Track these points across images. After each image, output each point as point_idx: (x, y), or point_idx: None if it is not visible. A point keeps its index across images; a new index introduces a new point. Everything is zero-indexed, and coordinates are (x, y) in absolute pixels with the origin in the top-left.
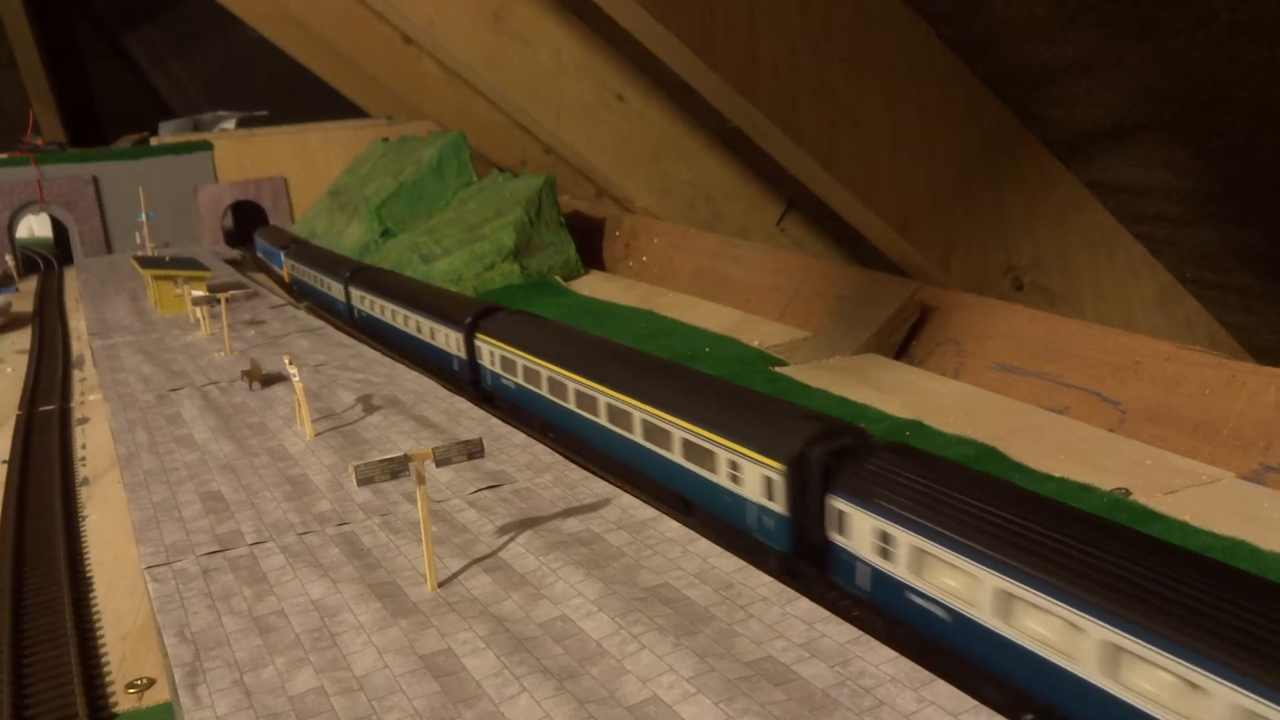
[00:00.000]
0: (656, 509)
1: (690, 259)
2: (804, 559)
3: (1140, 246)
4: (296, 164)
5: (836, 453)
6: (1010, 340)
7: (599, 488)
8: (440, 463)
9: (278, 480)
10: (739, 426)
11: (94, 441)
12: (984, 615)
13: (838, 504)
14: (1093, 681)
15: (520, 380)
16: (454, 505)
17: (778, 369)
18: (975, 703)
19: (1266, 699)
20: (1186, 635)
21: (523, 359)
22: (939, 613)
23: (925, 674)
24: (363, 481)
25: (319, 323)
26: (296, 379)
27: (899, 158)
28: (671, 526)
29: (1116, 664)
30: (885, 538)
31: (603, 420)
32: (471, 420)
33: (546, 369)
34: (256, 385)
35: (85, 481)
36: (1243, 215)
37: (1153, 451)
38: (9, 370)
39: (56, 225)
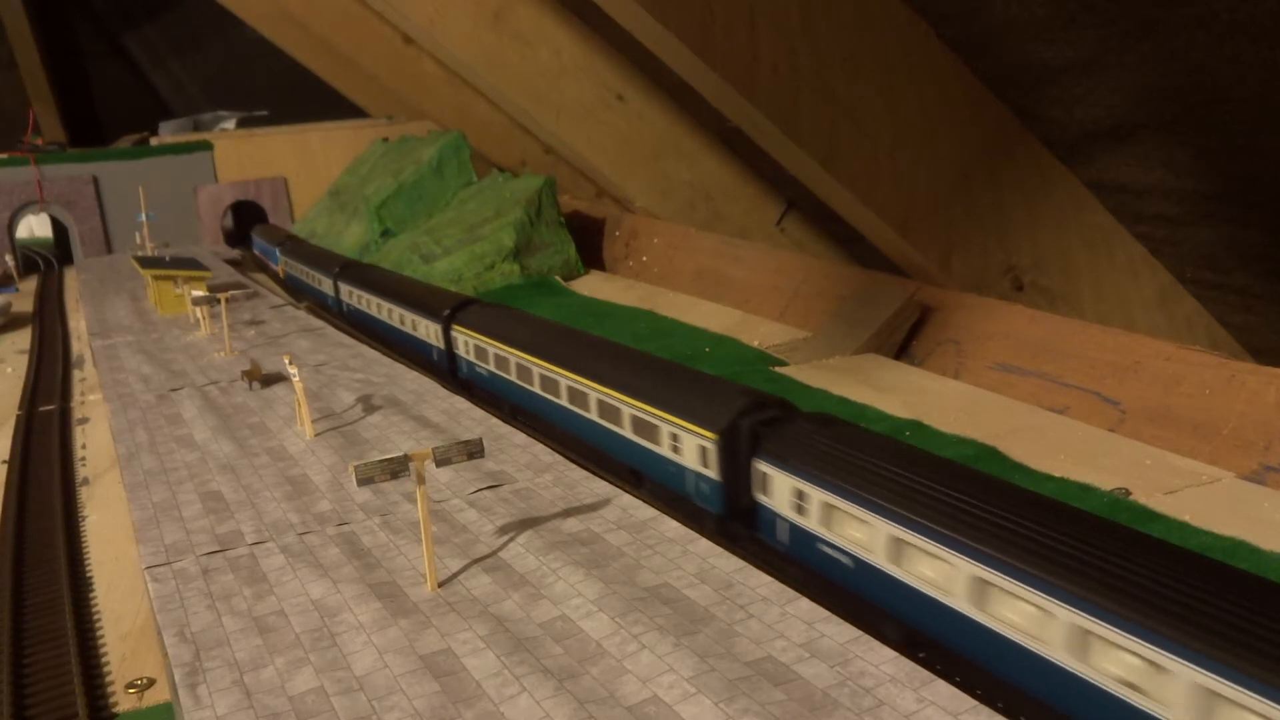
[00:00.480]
0: (656, 509)
1: (690, 259)
2: (735, 519)
3: (1140, 246)
4: (296, 164)
5: (763, 422)
6: (1010, 340)
7: (599, 488)
8: (440, 463)
9: (278, 480)
10: (679, 402)
11: (94, 441)
12: (880, 560)
13: (762, 467)
14: (965, 613)
15: (492, 367)
16: (454, 505)
17: (778, 369)
18: (975, 703)
19: (1096, 616)
20: (1039, 568)
21: (494, 347)
22: (844, 560)
23: (925, 674)
24: (363, 481)
25: (319, 323)
26: (296, 379)
27: (899, 158)
28: (671, 526)
29: (984, 597)
30: (801, 495)
31: (564, 401)
32: (471, 420)
33: (515, 356)
34: (256, 385)
35: (85, 481)
36: (1243, 215)
37: (1153, 451)
38: (9, 370)
39: (56, 225)
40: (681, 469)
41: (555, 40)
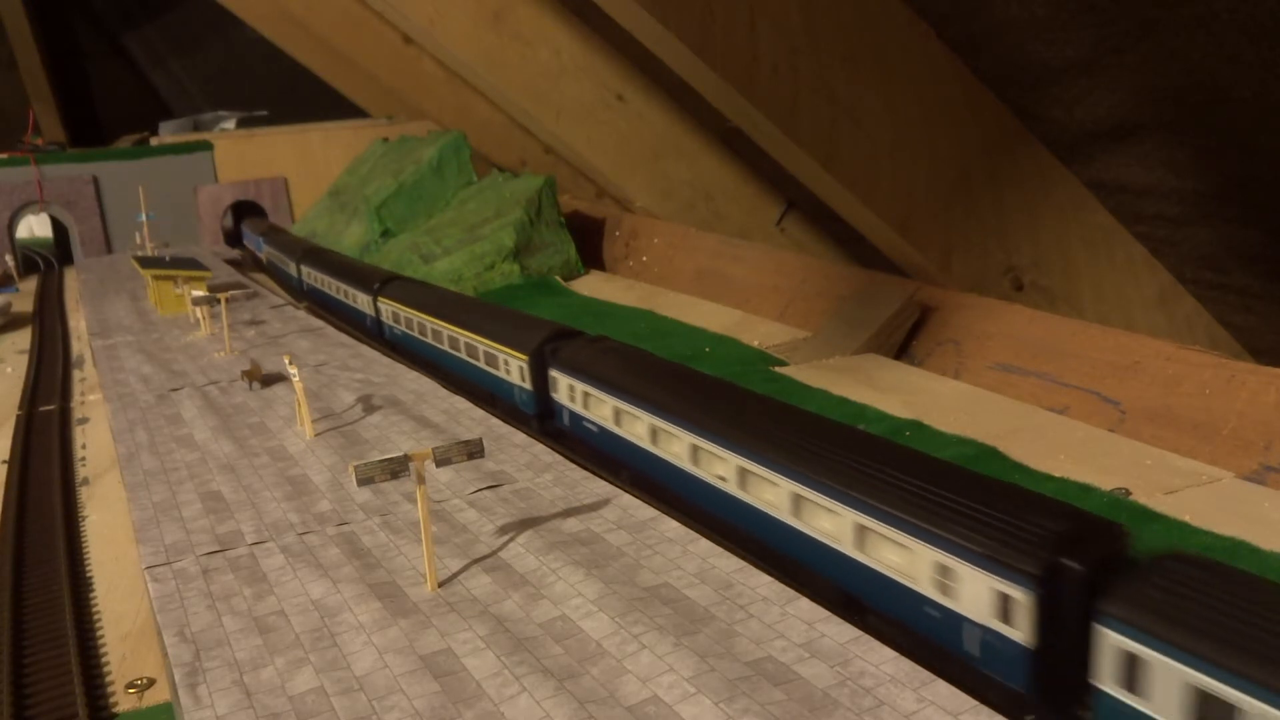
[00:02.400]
0: (656, 509)
1: (690, 259)
2: (544, 418)
3: (1140, 246)
4: (296, 164)
5: (556, 345)
6: (1010, 340)
7: (599, 488)
8: (440, 463)
9: (278, 480)
10: (507, 335)
11: (94, 441)
12: (612, 426)
13: (553, 373)
14: (652, 451)
15: (404, 328)
16: (454, 505)
17: (778, 369)
18: (975, 703)
19: (703, 437)
20: (692, 419)
21: (404, 311)
22: (594, 429)
23: (925, 674)
24: (363, 481)
25: (319, 323)
26: (296, 379)
27: (899, 158)
28: (671, 526)
29: (655, 438)
30: (571, 389)
31: (445, 347)
32: (471, 420)
33: (416, 316)
34: (256, 385)
35: (85, 481)
36: (1243, 215)
37: (1153, 451)
38: (9, 370)
39: (56, 225)
40: (510, 385)
41: (555, 40)
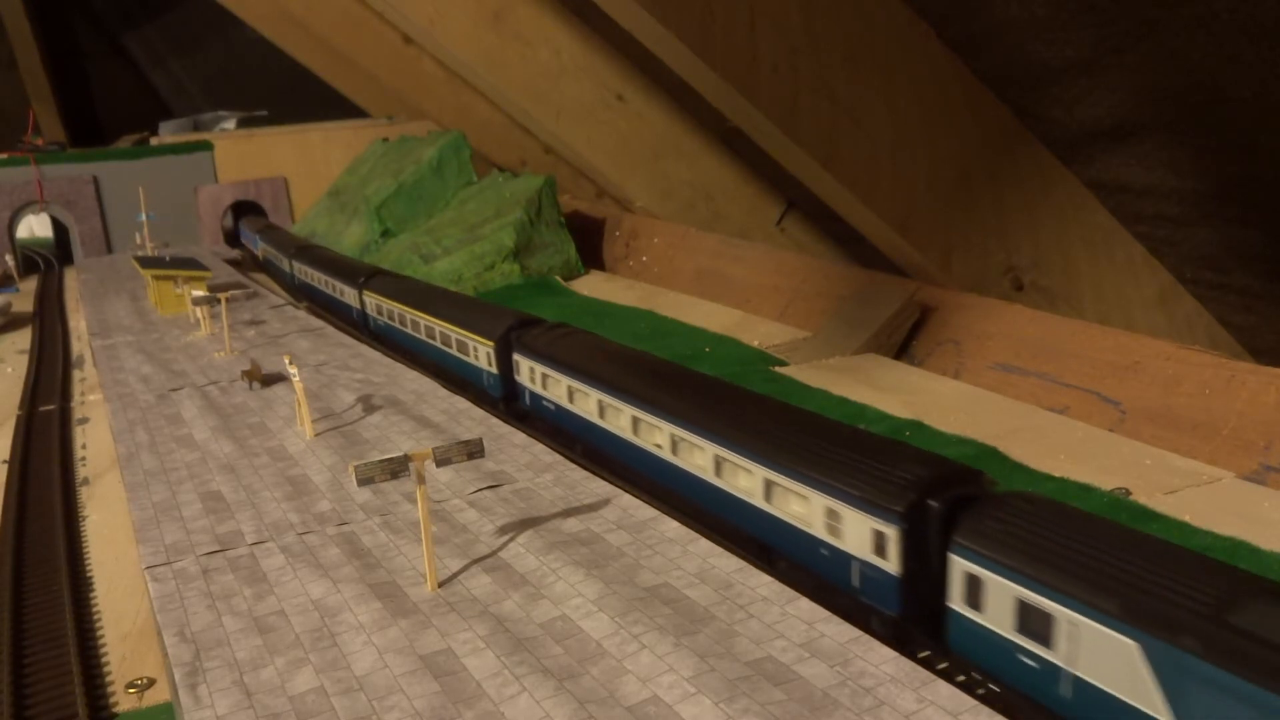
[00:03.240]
0: (657, 509)
1: (690, 259)
2: (509, 400)
3: (1140, 246)
4: (296, 164)
5: (520, 331)
6: (1010, 340)
7: (599, 488)
8: (440, 463)
9: (278, 480)
10: (475, 323)
11: (94, 441)
12: (565, 403)
13: (516, 357)
14: (597, 423)
15: (385, 320)
16: (454, 505)
17: (778, 369)
18: (975, 702)
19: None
20: (633, 393)
21: (386, 304)
22: (551, 407)
23: (925, 674)
24: (363, 481)
25: (319, 323)
26: (296, 379)
27: (899, 158)
28: (671, 526)
29: (602, 412)
30: (532, 371)
31: (422, 336)
32: (471, 420)
33: (397, 308)
34: (256, 385)
35: (85, 481)
36: (1243, 215)
37: (1153, 451)
38: (9, 370)
39: (56, 225)
40: (479, 369)
41: (555, 40)
